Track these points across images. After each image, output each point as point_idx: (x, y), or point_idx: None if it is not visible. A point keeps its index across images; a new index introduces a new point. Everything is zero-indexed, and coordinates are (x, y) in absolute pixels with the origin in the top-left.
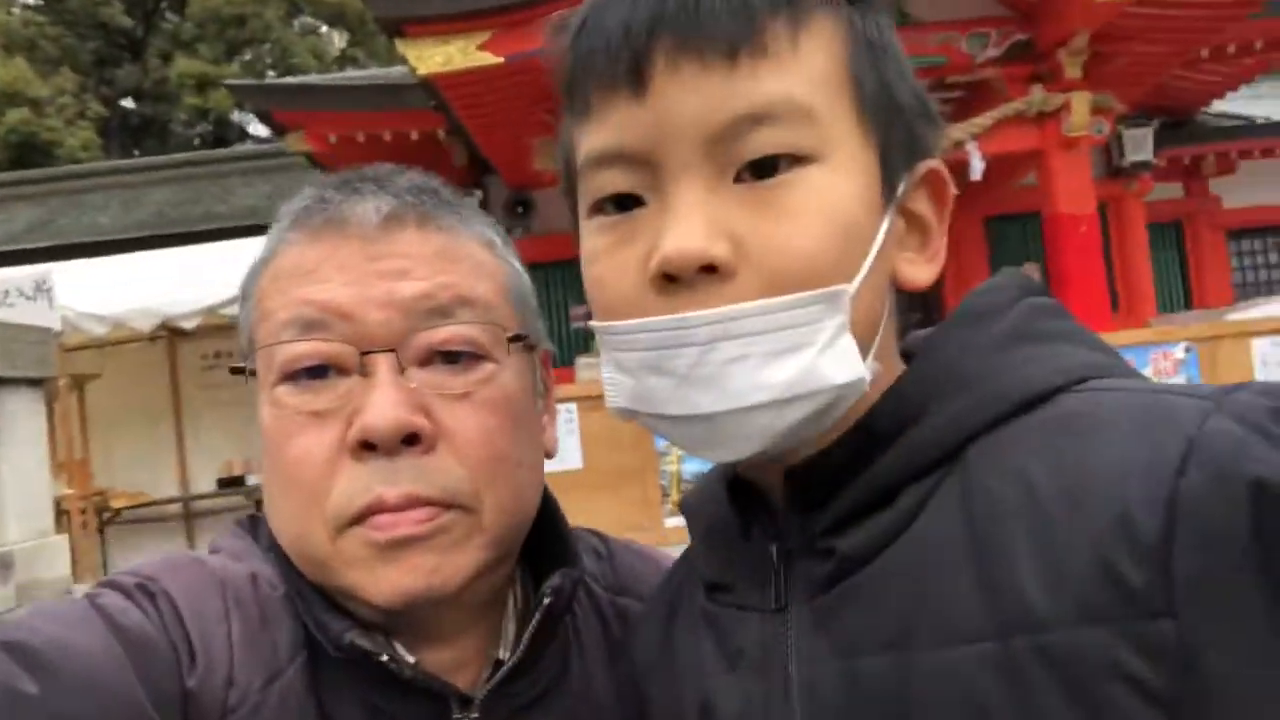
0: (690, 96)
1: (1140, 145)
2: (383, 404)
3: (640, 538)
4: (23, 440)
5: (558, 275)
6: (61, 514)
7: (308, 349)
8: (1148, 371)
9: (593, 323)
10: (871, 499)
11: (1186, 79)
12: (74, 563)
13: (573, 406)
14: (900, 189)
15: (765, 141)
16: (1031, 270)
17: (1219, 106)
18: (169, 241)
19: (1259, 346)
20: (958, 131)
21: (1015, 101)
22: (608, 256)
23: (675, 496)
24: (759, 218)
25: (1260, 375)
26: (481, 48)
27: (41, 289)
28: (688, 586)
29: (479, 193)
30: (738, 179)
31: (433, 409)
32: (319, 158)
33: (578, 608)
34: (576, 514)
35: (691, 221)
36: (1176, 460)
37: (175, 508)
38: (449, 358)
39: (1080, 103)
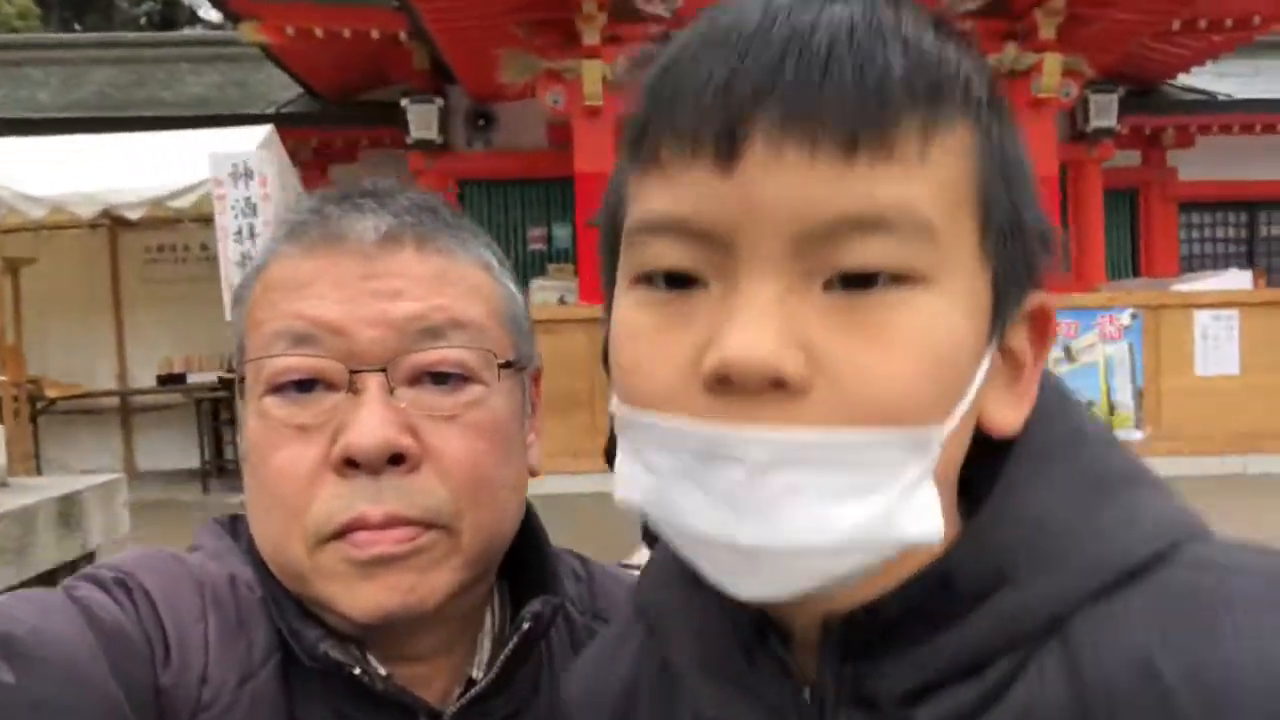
0: (790, 184)
1: (1105, 111)
2: (370, 423)
3: (586, 464)
4: None
5: (516, 194)
6: None
7: (297, 363)
8: (1094, 335)
9: (621, 409)
10: (958, 667)
11: (1155, 50)
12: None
13: None
14: (1009, 320)
15: (870, 252)
16: None
17: (1183, 80)
18: (111, 125)
19: (1200, 318)
20: None
21: (988, 58)
22: (651, 338)
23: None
24: (846, 335)
25: (1200, 346)
26: None
27: None
28: (655, 701)
29: (440, 100)
30: (826, 286)
31: (419, 429)
32: (274, 49)
33: (554, 631)
34: None
35: (764, 324)
36: None
37: (112, 401)
38: (438, 379)
39: (1052, 63)
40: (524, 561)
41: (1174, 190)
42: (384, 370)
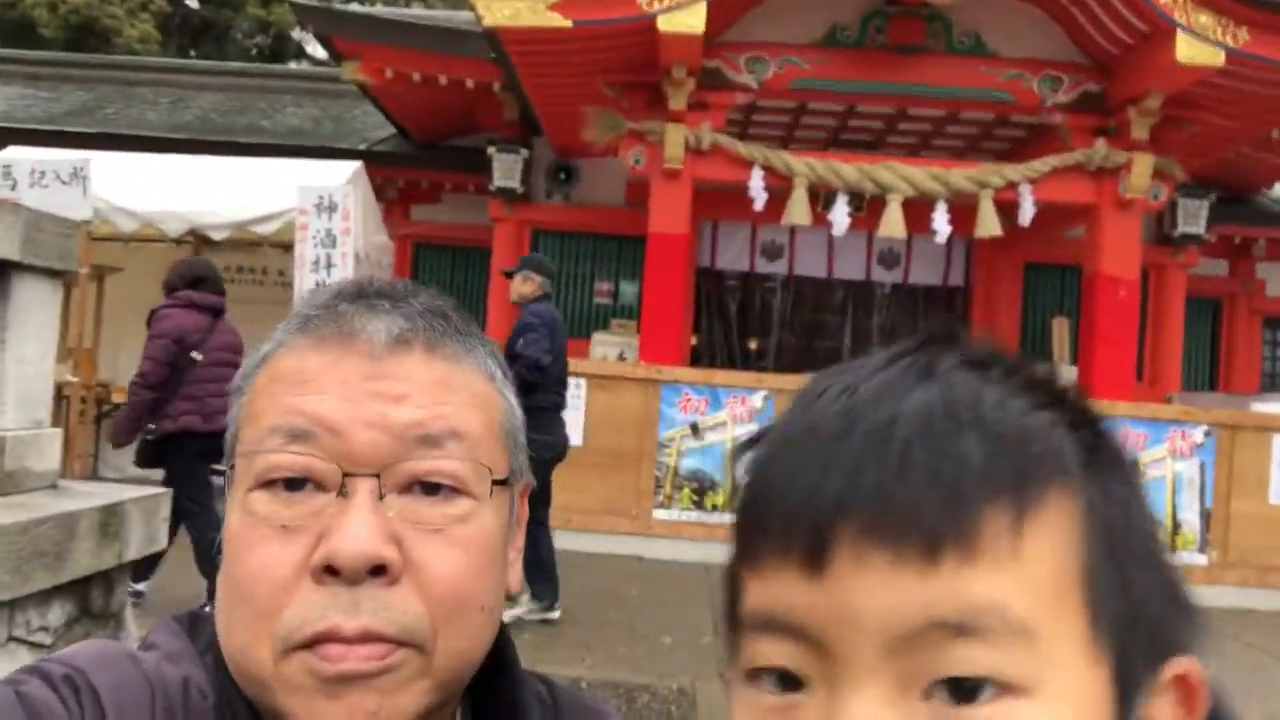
0: (877, 591)
1: (1194, 217)
2: (356, 530)
3: (626, 525)
4: (34, 333)
5: (589, 247)
6: (62, 399)
7: (290, 460)
8: (1163, 449)
9: None
10: None
11: (1252, 158)
12: (66, 450)
13: (582, 383)
14: (1138, 706)
15: (965, 659)
16: (1061, 324)
17: (1279, 191)
18: (211, 148)
19: (1278, 442)
20: (1012, 172)
21: (1077, 152)
22: None
23: (668, 490)
24: None
25: (1276, 470)
26: (552, 8)
27: (78, 175)
28: None
29: (525, 151)
30: (926, 695)
31: (404, 540)
32: (373, 90)
33: None
34: (567, 491)
35: None
36: None
37: None
38: (429, 489)
39: (1142, 164)
40: (490, 684)
41: (1260, 304)
42: (377, 476)
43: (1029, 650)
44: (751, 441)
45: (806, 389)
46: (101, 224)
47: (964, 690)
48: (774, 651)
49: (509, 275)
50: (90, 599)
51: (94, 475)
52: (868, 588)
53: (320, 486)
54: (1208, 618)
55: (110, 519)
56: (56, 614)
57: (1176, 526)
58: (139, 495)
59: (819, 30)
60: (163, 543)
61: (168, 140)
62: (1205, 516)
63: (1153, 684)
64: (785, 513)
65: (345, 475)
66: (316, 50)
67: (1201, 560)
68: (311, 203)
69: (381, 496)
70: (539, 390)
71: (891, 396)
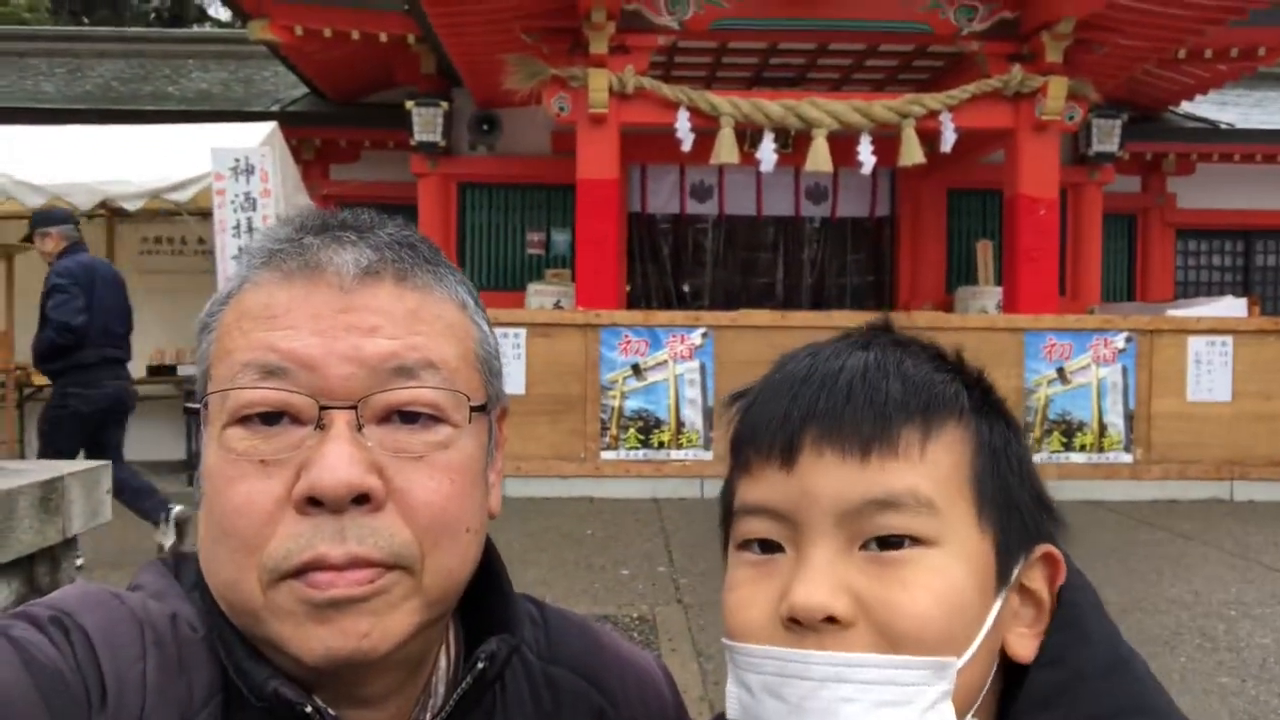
0: (829, 478)
1: (1108, 136)
2: (336, 461)
3: (575, 468)
4: None
5: (517, 197)
6: None
7: (265, 396)
8: (1088, 357)
9: (726, 641)
10: None
11: (1160, 77)
12: None
13: (521, 332)
14: (1015, 571)
15: (889, 524)
16: (985, 247)
17: (1186, 108)
18: (114, 118)
19: (1194, 344)
20: (933, 101)
21: (994, 78)
22: (747, 586)
23: (614, 431)
24: (879, 583)
25: (1192, 370)
26: None
27: None
28: None
29: (445, 104)
30: (864, 547)
31: (386, 468)
32: (283, 49)
33: (509, 673)
34: (515, 440)
35: (819, 579)
36: None
37: None
38: (407, 418)
39: (1057, 87)
40: (481, 603)
41: (1172, 217)
42: (354, 408)
43: (933, 518)
44: (740, 394)
45: (782, 359)
46: (6, 201)
47: (889, 543)
48: (758, 527)
49: (28, 240)
50: (36, 576)
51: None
52: (823, 477)
53: (297, 420)
54: (1132, 510)
55: (50, 494)
56: (3, 594)
57: (1103, 428)
58: (78, 469)
59: None
60: (107, 515)
61: (68, 111)
62: (1129, 418)
63: (1026, 558)
64: (767, 428)
65: (322, 408)
66: (220, 13)
67: (1127, 459)
68: (227, 166)
69: (360, 427)
70: (83, 348)
71: (840, 357)
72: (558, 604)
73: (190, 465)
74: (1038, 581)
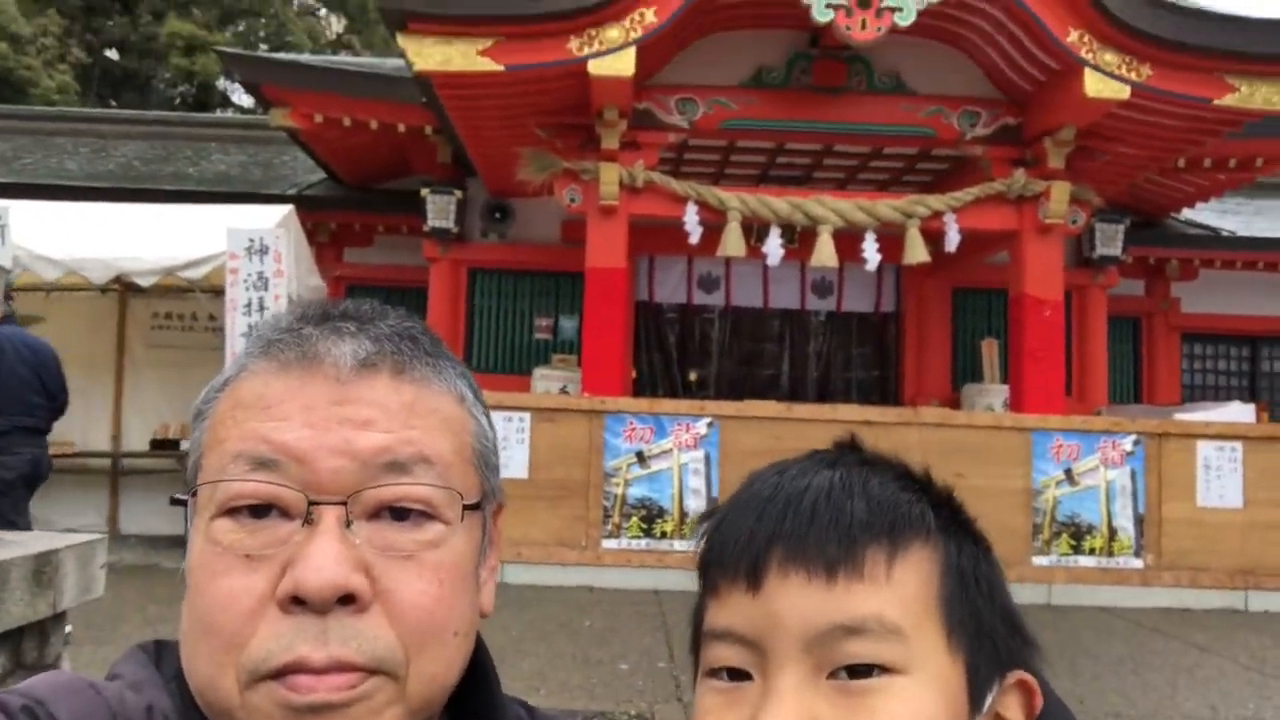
0: (794, 602)
1: (1111, 240)
2: (322, 560)
3: (576, 555)
4: None
5: (525, 285)
6: None
7: (253, 489)
8: (1096, 459)
9: None
10: None
11: (1161, 184)
12: None
13: (526, 416)
14: (989, 699)
15: (856, 651)
16: (990, 345)
17: (1188, 215)
18: (134, 196)
19: (1203, 449)
20: (937, 202)
21: (997, 181)
22: (714, 715)
23: (617, 519)
24: (847, 714)
25: (1202, 475)
26: (483, 53)
27: None
28: None
29: (459, 192)
30: (832, 675)
31: (374, 568)
32: (302, 135)
33: None
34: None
35: (786, 711)
36: None
37: (103, 463)
38: (398, 514)
39: (1060, 191)
40: (468, 705)
41: (1177, 320)
42: (344, 503)
43: (901, 644)
44: (710, 512)
45: (750, 477)
46: (22, 273)
47: (858, 672)
48: (726, 654)
49: None
50: (23, 651)
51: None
52: (789, 600)
53: (285, 514)
54: (1143, 618)
55: (44, 567)
56: None
57: (1113, 532)
58: (74, 542)
59: (746, 72)
60: (99, 590)
61: (90, 189)
62: (1139, 522)
63: (999, 685)
64: (733, 549)
65: (311, 503)
66: (242, 99)
67: (1138, 564)
68: (242, 246)
69: (349, 524)
70: None
71: (805, 476)
72: (554, 697)
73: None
74: (1013, 710)
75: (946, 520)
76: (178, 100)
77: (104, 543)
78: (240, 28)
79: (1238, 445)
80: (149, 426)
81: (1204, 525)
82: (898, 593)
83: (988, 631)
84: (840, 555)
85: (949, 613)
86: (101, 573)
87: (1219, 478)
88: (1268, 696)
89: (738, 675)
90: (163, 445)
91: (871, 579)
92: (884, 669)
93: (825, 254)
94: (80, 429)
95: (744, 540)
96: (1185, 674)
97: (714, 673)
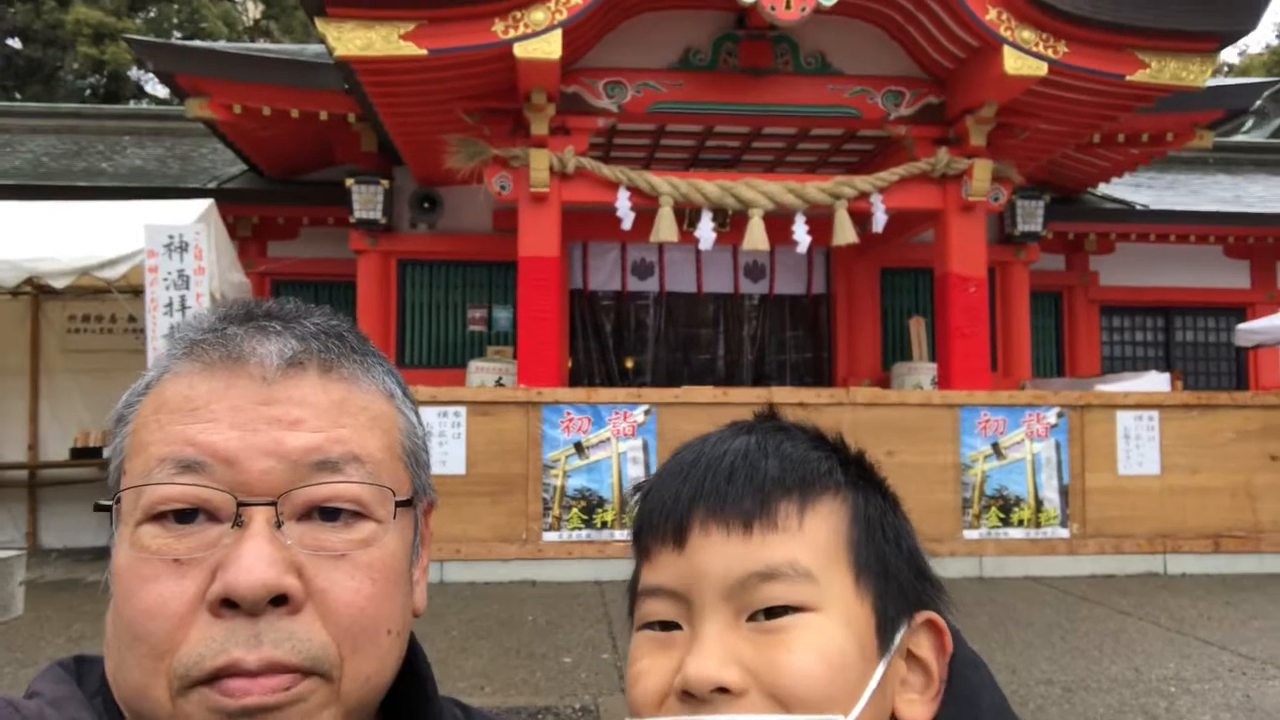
0: (716, 555)
1: (1031, 216)
2: (253, 562)
3: (516, 549)
4: None
5: (458, 275)
6: None
7: (180, 492)
8: (1021, 432)
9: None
10: None
11: (1078, 160)
12: None
13: (461, 410)
14: (898, 637)
15: (772, 594)
16: (918, 323)
17: (1104, 190)
18: (45, 194)
19: (1123, 419)
20: (863, 183)
21: (921, 161)
22: (647, 659)
23: (557, 511)
24: (766, 651)
25: (1122, 445)
26: (405, 37)
27: None
28: None
29: (385, 182)
30: (751, 619)
31: (305, 568)
32: (220, 126)
33: None
34: (454, 521)
35: (710, 652)
36: None
37: (19, 474)
38: (329, 514)
39: (982, 169)
40: (403, 706)
41: (1096, 294)
42: (273, 504)
43: (812, 586)
44: (642, 484)
45: (678, 448)
46: None
47: (774, 613)
48: (658, 608)
49: None
50: None
51: None
52: (711, 554)
53: (213, 517)
54: (1071, 586)
55: None
56: None
57: (1040, 504)
58: None
59: (673, 54)
60: (18, 609)
61: None
62: (1064, 492)
63: (908, 624)
64: (661, 514)
65: (240, 505)
66: (157, 90)
67: (1064, 533)
68: (161, 243)
69: (279, 525)
70: None
71: (725, 442)
72: (498, 695)
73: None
74: (924, 649)
75: (855, 476)
76: (88, 92)
77: (22, 559)
78: (152, 14)
79: (1155, 414)
80: (68, 434)
81: (1125, 493)
82: (809, 540)
83: (894, 574)
84: (755, 509)
85: (856, 557)
86: (20, 590)
87: (1138, 446)
88: (1187, 655)
89: (669, 627)
90: (84, 454)
91: (785, 529)
92: (797, 609)
93: (757, 238)
94: None
95: (670, 503)
96: (1111, 638)
97: (647, 626)
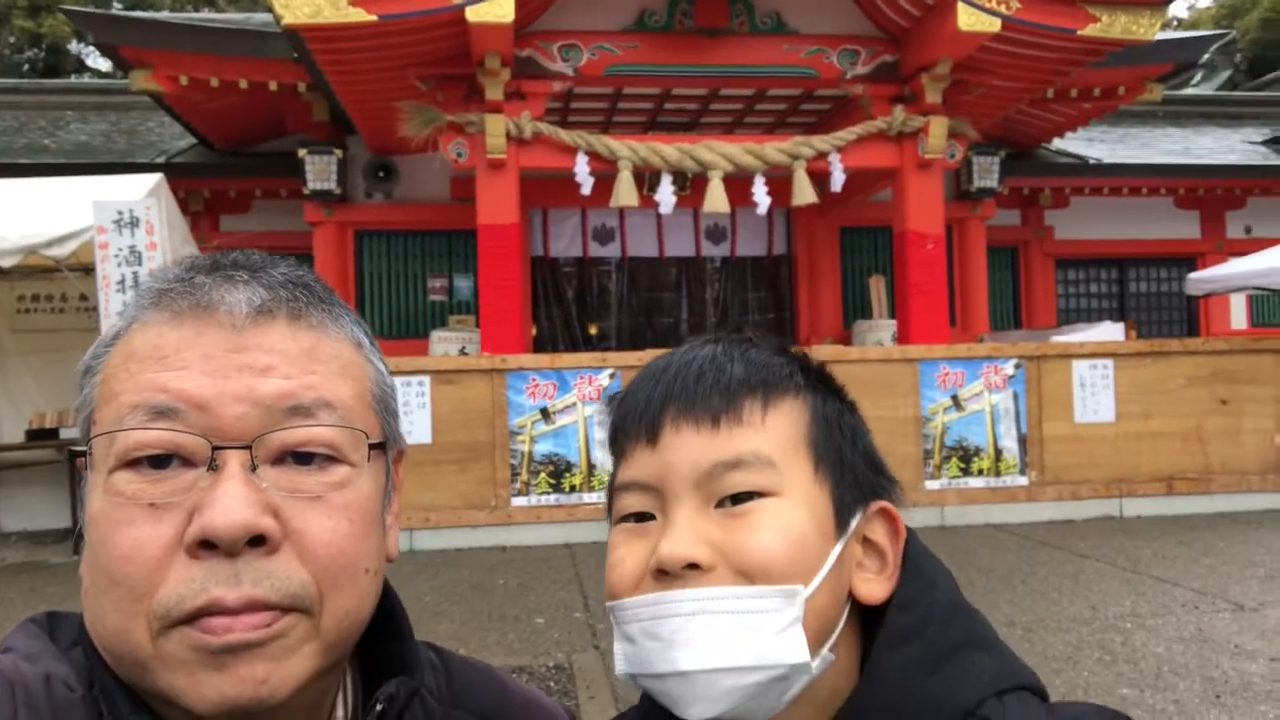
0: (686, 449)
1: (987, 172)
2: (229, 502)
3: (485, 516)
4: None
5: (417, 244)
6: None
7: (154, 437)
8: (980, 384)
9: (609, 603)
10: None
11: (1032, 115)
12: None
13: (425, 380)
14: (854, 521)
15: (737, 481)
16: (878, 281)
17: (1058, 144)
18: None
19: (1078, 368)
20: (821, 143)
21: (878, 119)
22: (623, 548)
23: (525, 476)
24: (732, 531)
25: (1078, 393)
26: (354, 3)
27: None
28: None
29: (339, 152)
30: (719, 505)
31: (281, 510)
32: (167, 99)
33: (408, 717)
34: (423, 490)
35: (681, 534)
36: None
37: None
38: (302, 459)
39: (938, 126)
40: (379, 647)
41: (1051, 248)
42: (248, 448)
43: (774, 473)
44: (616, 394)
45: (650, 361)
46: None
47: (740, 499)
48: (633, 501)
49: None
50: None
51: None
52: (681, 448)
53: (188, 462)
54: (1030, 532)
55: None
56: None
57: (999, 453)
58: None
59: (628, 16)
60: None
61: None
62: (1023, 441)
63: (864, 511)
64: (635, 415)
65: (215, 449)
66: (99, 63)
67: (1023, 481)
68: (110, 219)
69: (254, 468)
70: None
71: (693, 350)
72: (472, 657)
73: (76, 535)
74: (879, 535)
75: (814, 380)
76: (25, 66)
77: None
78: None
79: (1109, 363)
80: (23, 417)
81: (1081, 440)
82: (771, 434)
83: (849, 466)
84: (722, 406)
85: (815, 449)
86: None
87: (1094, 395)
88: (1142, 593)
89: (644, 518)
90: (40, 435)
91: (749, 424)
92: (761, 494)
93: (717, 200)
94: None
95: (643, 405)
96: (1069, 580)
97: (624, 519)
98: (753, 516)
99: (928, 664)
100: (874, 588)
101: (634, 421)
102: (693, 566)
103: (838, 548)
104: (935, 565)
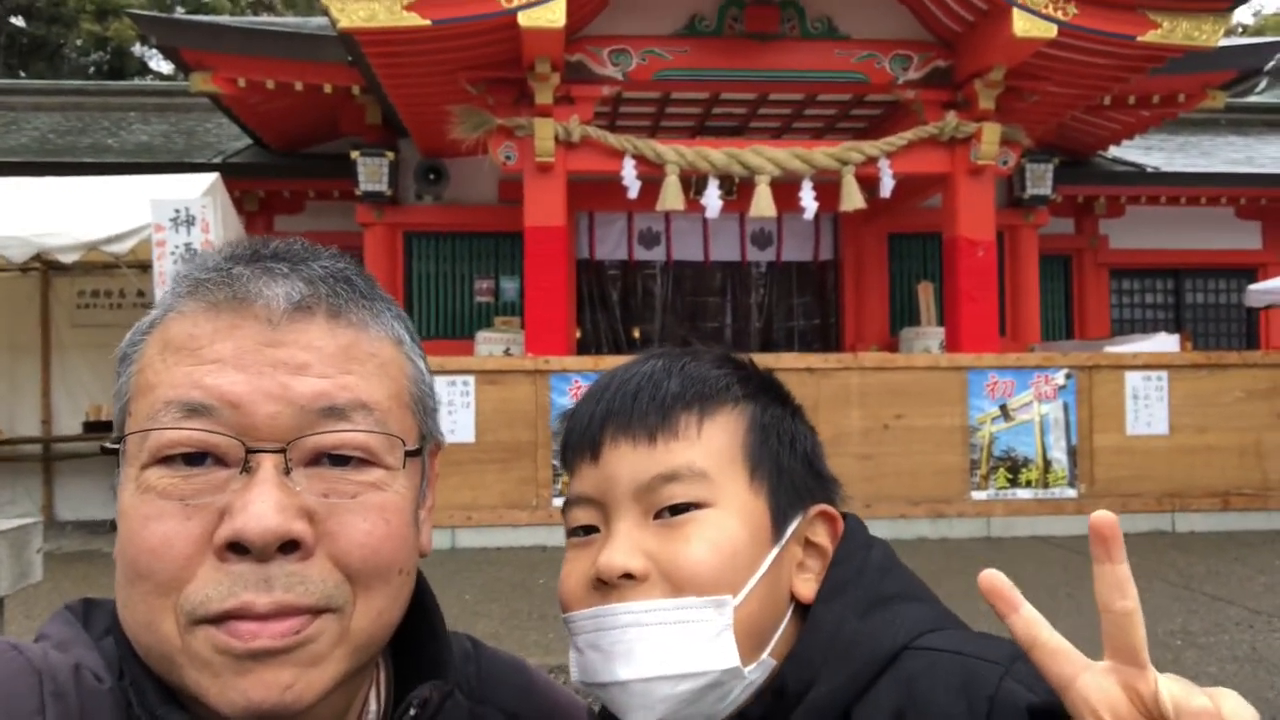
0: (625, 463)
1: (1041, 179)
2: (263, 508)
3: (527, 516)
4: None
5: (465, 246)
6: None
7: (188, 436)
8: (1030, 394)
9: (563, 615)
10: None
11: (1088, 123)
12: None
13: (470, 379)
14: (792, 525)
15: (673, 493)
16: (926, 288)
17: (1114, 152)
18: (51, 170)
19: (1131, 379)
20: (871, 148)
21: (929, 125)
22: (571, 562)
23: (565, 477)
24: (666, 542)
25: (1131, 405)
26: (409, 8)
27: None
28: None
29: (391, 154)
30: (658, 516)
31: (315, 512)
32: (225, 101)
33: (441, 719)
34: (465, 489)
35: (619, 545)
36: (984, 713)
37: (34, 449)
38: (337, 461)
39: (990, 132)
40: (412, 643)
41: (1105, 257)
42: (282, 450)
43: (709, 485)
44: (566, 410)
45: (597, 378)
46: None
47: (677, 510)
48: (580, 514)
49: None
50: None
51: None
52: (620, 463)
53: (221, 462)
54: (1078, 545)
55: None
56: None
57: (1048, 464)
58: (7, 527)
59: (679, 21)
60: (37, 575)
61: (2, 164)
62: (1072, 453)
63: (804, 515)
64: (579, 432)
65: (249, 451)
66: (162, 65)
67: (1072, 493)
68: (167, 217)
69: (288, 471)
70: None
71: (635, 367)
72: None
73: None
74: (821, 536)
75: (754, 389)
76: (92, 69)
77: (39, 526)
78: None
79: (1163, 374)
80: (80, 409)
81: (1133, 453)
82: (706, 446)
83: (787, 472)
84: (658, 422)
85: (750, 458)
86: (39, 558)
87: (1146, 406)
88: (1194, 610)
89: (590, 531)
90: (96, 427)
91: (685, 438)
92: (696, 505)
93: (764, 204)
94: (7, 415)
95: (585, 422)
96: None
97: (573, 532)
98: (686, 528)
99: (860, 609)
100: (815, 588)
101: (577, 438)
102: (628, 577)
103: (773, 553)
104: (869, 540)
